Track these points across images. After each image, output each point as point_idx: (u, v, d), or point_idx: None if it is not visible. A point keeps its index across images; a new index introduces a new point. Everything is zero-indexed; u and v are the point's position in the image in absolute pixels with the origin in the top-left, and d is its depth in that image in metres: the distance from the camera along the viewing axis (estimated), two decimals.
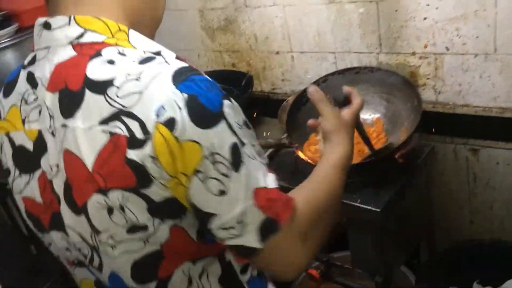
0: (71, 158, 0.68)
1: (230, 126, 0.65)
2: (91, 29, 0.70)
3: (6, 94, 0.79)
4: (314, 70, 1.75)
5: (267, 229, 0.69)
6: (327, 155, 0.89)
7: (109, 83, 0.65)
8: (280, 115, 1.71)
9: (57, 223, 0.75)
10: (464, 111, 1.51)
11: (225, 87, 1.89)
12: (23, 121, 0.75)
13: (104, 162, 0.65)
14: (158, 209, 0.66)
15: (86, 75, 0.66)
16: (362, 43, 1.61)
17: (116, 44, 0.69)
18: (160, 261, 0.71)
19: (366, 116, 1.49)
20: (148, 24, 0.79)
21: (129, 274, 0.73)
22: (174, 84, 0.63)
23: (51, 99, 0.70)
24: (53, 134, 0.71)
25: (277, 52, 1.83)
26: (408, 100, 1.41)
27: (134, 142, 0.63)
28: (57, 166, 0.71)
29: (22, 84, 0.76)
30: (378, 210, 1.24)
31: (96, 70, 0.66)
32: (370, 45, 1.59)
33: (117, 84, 0.64)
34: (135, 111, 0.63)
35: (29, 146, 0.75)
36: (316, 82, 1.51)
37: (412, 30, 1.48)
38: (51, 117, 0.70)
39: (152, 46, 0.72)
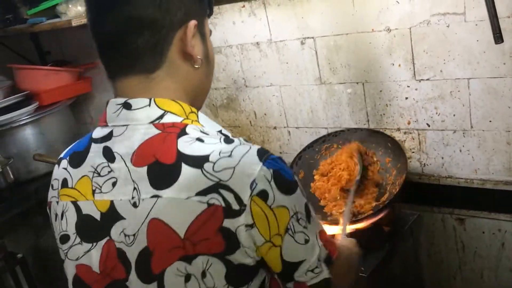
0: (158, 227, 0.75)
1: (301, 190, 0.82)
2: (170, 111, 0.80)
3: (76, 165, 0.85)
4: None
5: (328, 261, 0.85)
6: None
7: (205, 158, 0.75)
8: None
9: None
10: (448, 182, 1.61)
11: None
12: (93, 192, 0.81)
13: (197, 229, 0.73)
14: (233, 274, 0.76)
15: (178, 150, 0.76)
16: (351, 119, 1.74)
17: (192, 124, 0.81)
18: None
19: None
20: (202, 98, 0.93)
21: None
22: (261, 161, 0.76)
23: (137, 173, 0.77)
24: (135, 205, 0.77)
25: (275, 128, 1.98)
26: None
27: (230, 212, 0.73)
28: (134, 235, 0.77)
29: (96, 157, 0.82)
30: (365, 275, 1.31)
31: (187, 146, 0.76)
32: (358, 121, 1.73)
33: (212, 160, 0.75)
34: (231, 184, 0.73)
35: (96, 216, 0.81)
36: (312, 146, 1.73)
37: (395, 108, 1.62)
38: (135, 189, 0.77)
39: (215, 126, 0.85)
